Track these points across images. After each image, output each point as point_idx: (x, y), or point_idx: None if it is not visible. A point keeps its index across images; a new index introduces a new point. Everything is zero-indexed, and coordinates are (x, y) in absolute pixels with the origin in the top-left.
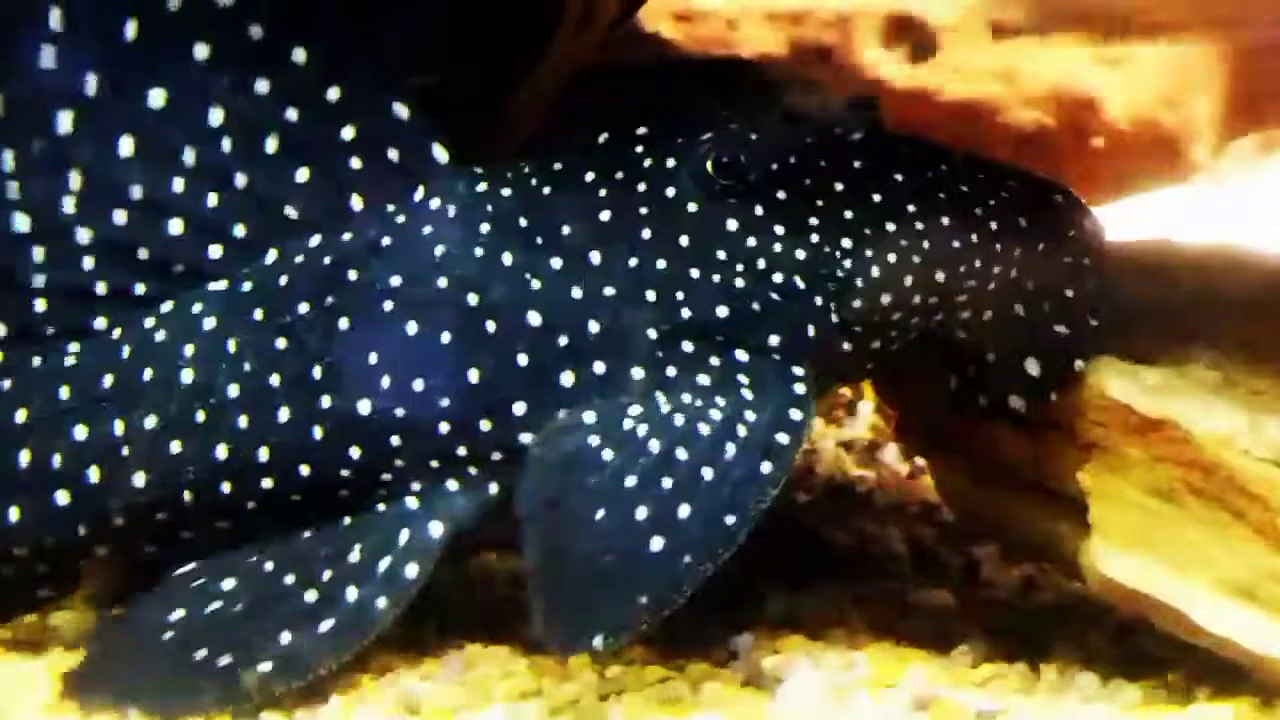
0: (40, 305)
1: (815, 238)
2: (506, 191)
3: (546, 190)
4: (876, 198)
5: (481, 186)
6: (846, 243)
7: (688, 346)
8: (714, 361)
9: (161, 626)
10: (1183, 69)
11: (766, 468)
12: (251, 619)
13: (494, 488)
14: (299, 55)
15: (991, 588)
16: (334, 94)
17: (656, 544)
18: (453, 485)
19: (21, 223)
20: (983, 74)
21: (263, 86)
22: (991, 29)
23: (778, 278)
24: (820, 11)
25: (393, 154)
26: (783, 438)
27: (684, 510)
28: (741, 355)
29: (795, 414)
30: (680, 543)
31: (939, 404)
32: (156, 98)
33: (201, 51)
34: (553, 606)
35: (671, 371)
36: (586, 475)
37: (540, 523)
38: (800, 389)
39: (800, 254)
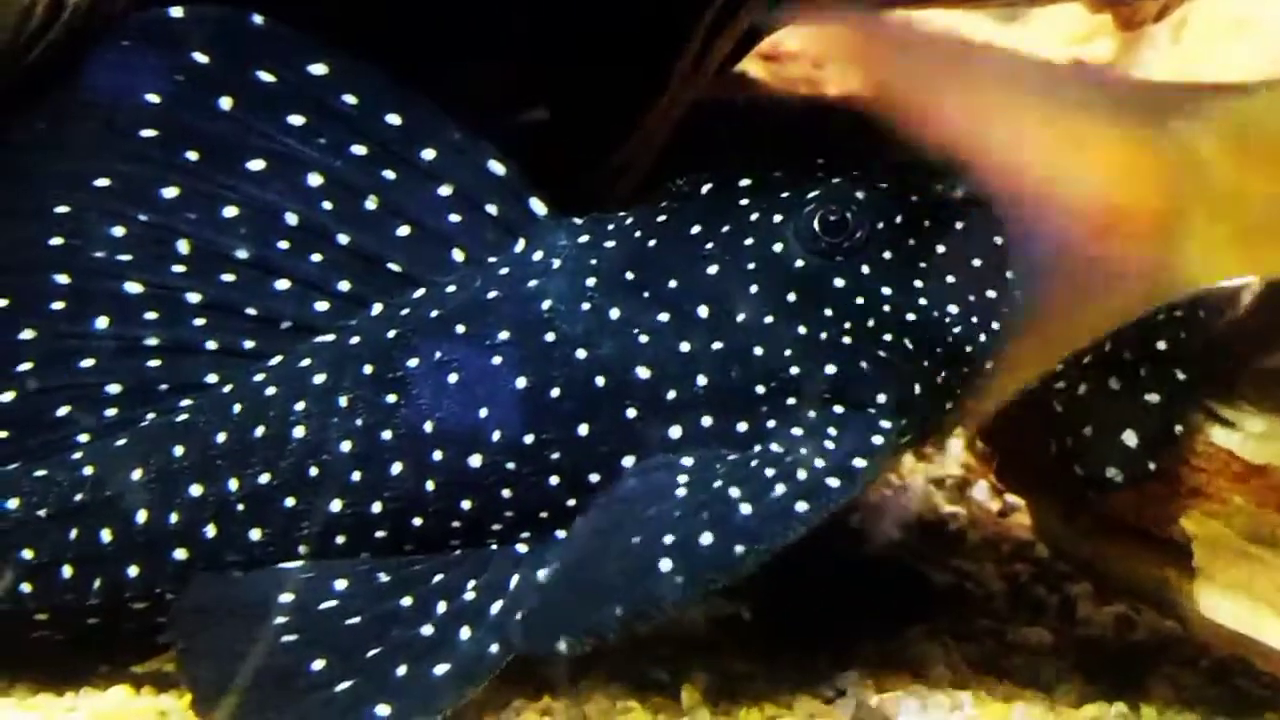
0: (154, 363)
1: (923, 300)
2: (610, 244)
3: (651, 243)
4: (977, 262)
5: (584, 238)
6: (953, 309)
7: (791, 401)
8: (811, 414)
9: (275, 609)
10: None
11: (801, 507)
12: (368, 638)
13: None
14: (393, 119)
15: (1087, 626)
16: (429, 154)
17: (665, 565)
18: (561, 533)
19: (134, 287)
20: None
21: (359, 150)
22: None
23: (887, 337)
24: None
25: (490, 208)
26: (834, 481)
27: (706, 538)
28: (838, 409)
29: (858, 462)
30: (683, 564)
31: (1040, 457)
32: (255, 165)
33: (297, 120)
34: (539, 610)
35: (772, 424)
36: (646, 507)
37: (575, 541)
38: (877, 440)
39: (910, 316)
